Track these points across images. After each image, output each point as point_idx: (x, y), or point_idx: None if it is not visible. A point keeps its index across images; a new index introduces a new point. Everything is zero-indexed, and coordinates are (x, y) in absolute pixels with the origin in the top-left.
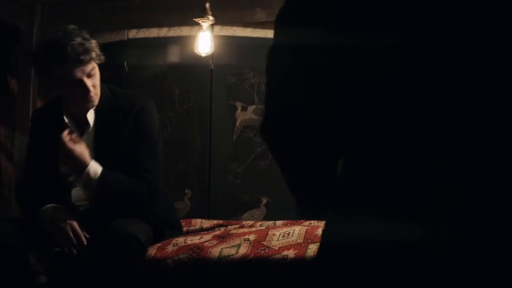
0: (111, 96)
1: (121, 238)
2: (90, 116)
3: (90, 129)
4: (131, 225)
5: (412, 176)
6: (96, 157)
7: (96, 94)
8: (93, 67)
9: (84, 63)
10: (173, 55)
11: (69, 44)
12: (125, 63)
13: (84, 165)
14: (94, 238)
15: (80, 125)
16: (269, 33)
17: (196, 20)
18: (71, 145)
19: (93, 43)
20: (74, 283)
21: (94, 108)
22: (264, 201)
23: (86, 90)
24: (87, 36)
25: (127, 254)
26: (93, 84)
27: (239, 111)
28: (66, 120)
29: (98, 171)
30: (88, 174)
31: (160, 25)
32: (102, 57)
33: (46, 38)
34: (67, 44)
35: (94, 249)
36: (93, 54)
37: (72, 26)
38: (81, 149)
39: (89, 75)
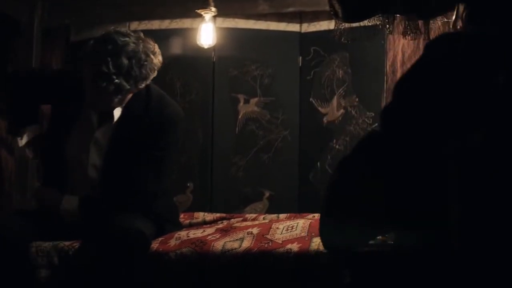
0: (145, 96)
1: (127, 234)
2: (117, 112)
3: (111, 124)
4: (135, 220)
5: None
6: (107, 155)
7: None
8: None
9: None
10: (175, 48)
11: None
12: None
13: (58, 201)
14: (97, 232)
15: (102, 115)
16: (271, 25)
17: (199, 11)
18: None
19: (136, 77)
20: (77, 279)
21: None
22: (267, 194)
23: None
24: (141, 65)
25: (133, 249)
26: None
27: (241, 103)
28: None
29: (74, 203)
30: (64, 206)
31: (162, 17)
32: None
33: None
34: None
35: (98, 244)
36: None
37: (136, 49)
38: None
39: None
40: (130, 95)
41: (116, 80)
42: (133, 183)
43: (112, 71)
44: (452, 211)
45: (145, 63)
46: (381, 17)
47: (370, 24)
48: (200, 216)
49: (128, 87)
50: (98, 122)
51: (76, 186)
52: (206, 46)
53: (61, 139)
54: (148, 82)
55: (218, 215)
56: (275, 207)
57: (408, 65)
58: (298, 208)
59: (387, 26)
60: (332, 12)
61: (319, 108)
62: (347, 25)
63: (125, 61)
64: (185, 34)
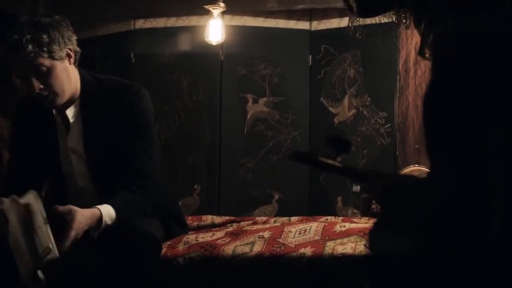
0: (95, 86)
1: (139, 237)
2: (70, 112)
3: (71, 125)
4: (145, 223)
5: None
6: (87, 153)
7: (53, 93)
8: (41, 63)
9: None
10: (182, 46)
11: (13, 37)
12: (132, 53)
13: (100, 221)
14: (105, 236)
15: (66, 120)
16: (280, 23)
17: (207, 7)
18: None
19: (45, 38)
20: (85, 283)
21: (74, 104)
22: (276, 196)
23: (32, 89)
24: (45, 27)
25: (145, 253)
26: (45, 82)
27: (250, 103)
28: (55, 114)
29: (112, 215)
30: (106, 223)
31: (167, 14)
32: (61, 54)
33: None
34: (11, 38)
35: (106, 248)
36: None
37: (32, 18)
38: (85, 215)
39: (38, 73)
40: (75, 81)
41: (43, 35)
42: (126, 172)
43: (30, 30)
44: (495, 211)
45: (62, 24)
46: (397, 12)
47: (385, 20)
48: (209, 219)
49: (57, 41)
50: (66, 130)
51: (72, 200)
52: (214, 43)
53: (40, 154)
54: (75, 47)
55: (227, 218)
56: (284, 210)
57: (422, 64)
58: (308, 211)
59: (404, 21)
60: (346, 7)
61: (330, 108)
62: (361, 21)
63: (41, 24)
64: (192, 32)
